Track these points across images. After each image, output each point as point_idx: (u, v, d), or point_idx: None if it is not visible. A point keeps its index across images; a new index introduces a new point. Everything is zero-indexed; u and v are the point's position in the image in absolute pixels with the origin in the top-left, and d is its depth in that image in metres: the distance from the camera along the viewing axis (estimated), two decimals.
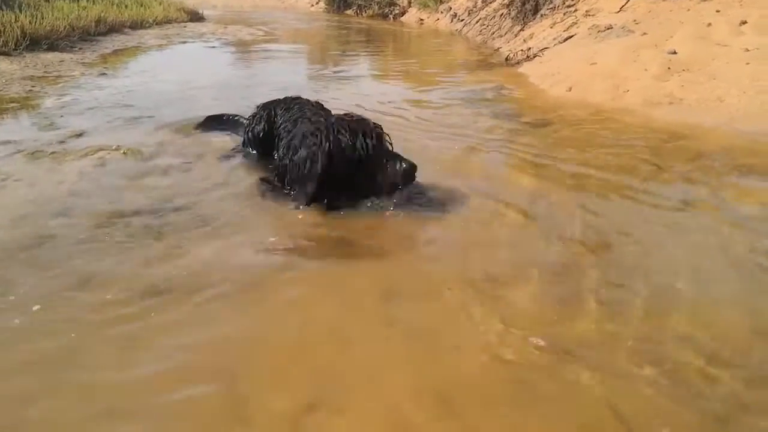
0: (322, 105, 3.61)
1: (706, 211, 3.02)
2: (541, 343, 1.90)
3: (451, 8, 13.56)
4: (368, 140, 2.91)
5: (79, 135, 4.06)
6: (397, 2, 16.28)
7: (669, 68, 5.33)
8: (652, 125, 4.55)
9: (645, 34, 6.26)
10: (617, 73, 5.62)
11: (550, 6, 9.11)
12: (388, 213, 2.90)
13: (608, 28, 6.87)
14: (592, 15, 7.78)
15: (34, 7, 8.34)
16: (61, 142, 3.88)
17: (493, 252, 2.58)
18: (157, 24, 11.28)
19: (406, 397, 1.66)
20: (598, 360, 1.83)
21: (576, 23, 7.81)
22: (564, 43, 7.36)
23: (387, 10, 16.14)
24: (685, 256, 2.50)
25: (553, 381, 1.74)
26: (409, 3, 15.79)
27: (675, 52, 5.53)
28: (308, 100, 3.69)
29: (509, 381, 1.75)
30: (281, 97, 3.84)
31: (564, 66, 6.43)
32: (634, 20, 6.79)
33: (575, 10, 8.30)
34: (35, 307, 2.03)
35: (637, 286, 2.25)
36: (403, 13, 15.75)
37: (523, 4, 9.72)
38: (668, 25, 6.20)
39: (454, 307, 2.12)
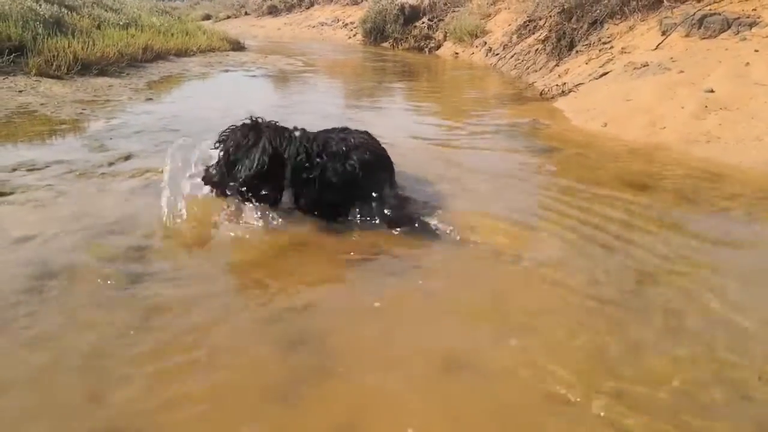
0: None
1: (748, 248, 3.02)
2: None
3: (486, 43, 13.71)
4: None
5: (127, 157, 4.23)
6: (433, 36, 16.50)
7: (706, 106, 5.33)
8: (689, 163, 4.55)
9: (682, 72, 6.27)
10: (653, 110, 5.63)
11: (586, 43, 9.17)
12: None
13: (644, 66, 6.89)
14: (628, 52, 7.81)
15: (87, 33, 8.70)
16: (111, 163, 4.05)
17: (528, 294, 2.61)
18: (200, 52, 11.64)
19: None
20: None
21: (612, 60, 7.85)
22: (599, 79, 7.40)
23: (423, 44, 16.35)
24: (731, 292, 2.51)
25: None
26: (445, 37, 15.99)
27: (712, 91, 5.52)
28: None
29: None
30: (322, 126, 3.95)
31: (599, 102, 6.47)
32: (671, 58, 6.80)
33: (611, 47, 8.34)
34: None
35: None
36: (438, 47, 15.95)
37: (559, 40, 9.80)
38: (705, 64, 6.20)
39: None
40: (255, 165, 2.87)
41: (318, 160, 3.04)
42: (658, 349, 2.12)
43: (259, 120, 3.09)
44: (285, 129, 3.13)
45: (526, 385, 1.92)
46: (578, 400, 1.84)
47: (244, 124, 3.07)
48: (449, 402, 1.85)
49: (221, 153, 3.03)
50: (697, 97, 5.52)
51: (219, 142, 3.07)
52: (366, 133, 3.48)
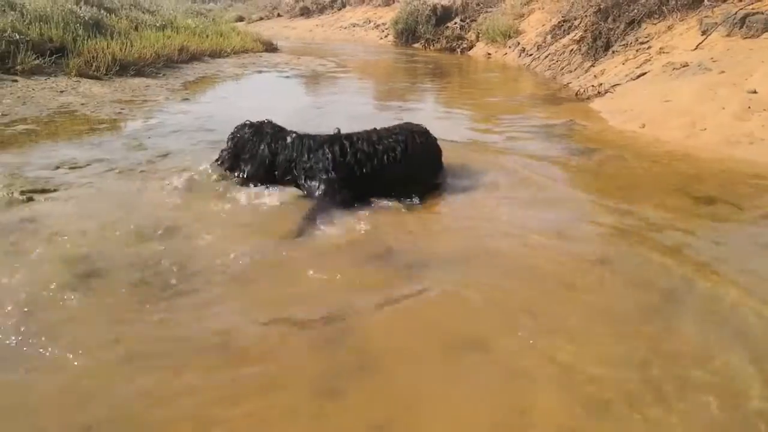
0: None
1: None
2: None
3: (519, 43, 13.58)
4: None
5: (166, 155, 4.29)
6: (465, 37, 16.41)
7: (749, 107, 5.19)
8: (731, 165, 4.44)
9: (723, 72, 6.12)
10: (693, 111, 5.51)
11: (623, 43, 9.02)
12: None
13: (684, 66, 6.75)
14: (667, 52, 7.66)
15: (124, 35, 8.88)
16: (150, 161, 4.12)
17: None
18: (234, 53, 11.76)
19: None
20: None
21: (649, 60, 7.71)
22: (637, 80, 7.27)
23: (454, 44, 16.26)
24: None
25: None
26: (477, 37, 15.88)
27: (755, 92, 5.38)
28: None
29: None
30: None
31: (637, 102, 6.36)
32: (712, 58, 6.65)
33: (649, 47, 8.19)
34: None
35: None
36: (470, 47, 15.85)
37: (594, 40, 9.66)
38: (748, 64, 6.05)
39: None
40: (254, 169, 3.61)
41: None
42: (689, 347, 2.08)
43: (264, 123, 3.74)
44: (282, 134, 3.67)
45: (560, 387, 1.90)
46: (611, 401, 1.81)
47: (248, 125, 3.72)
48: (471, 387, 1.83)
49: (230, 143, 3.69)
50: (739, 97, 5.39)
51: (232, 134, 3.72)
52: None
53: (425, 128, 3.92)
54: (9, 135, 4.61)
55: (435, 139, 3.92)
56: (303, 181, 3.52)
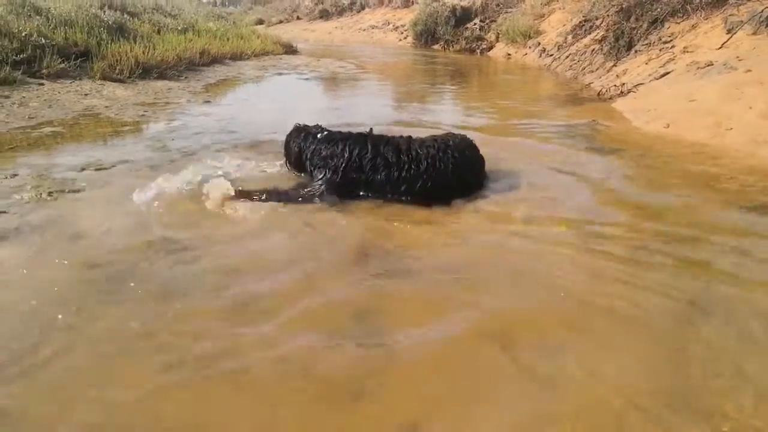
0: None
1: None
2: None
3: (539, 43, 13.51)
4: None
5: (189, 157, 4.32)
6: (485, 37, 16.37)
7: None
8: (758, 164, 4.36)
9: (749, 71, 6.02)
10: (719, 111, 5.42)
11: (645, 42, 8.93)
12: None
13: (709, 65, 6.66)
14: (691, 51, 7.56)
15: (147, 38, 8.99)
16: (173, 162, 4.15)
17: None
18: (254, 56, 11.85)
19: None
20: None
21: (673, 59, 7.62)
22: (660, 79, 7.19)
23: (474, 45, 16.23)
24: None
25: None
26: (497, 38, 15.83)
27: None
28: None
29: None
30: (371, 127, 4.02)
31: (661, 102, 6.27)
32: (737, 57, 6.54)
33: (672, 47, 8.10)
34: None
35: None
36: (490, 48, 15.81)
37: (617, 39, 9.57)
38: None
39: None
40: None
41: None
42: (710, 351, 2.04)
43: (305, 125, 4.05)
44: (310, 135, 3.92)
45: (591, 393, 1.88)
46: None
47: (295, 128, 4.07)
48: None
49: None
50: (766, 97, 5.29)
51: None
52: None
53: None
54: (36, 137, 4.68)
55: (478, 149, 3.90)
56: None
